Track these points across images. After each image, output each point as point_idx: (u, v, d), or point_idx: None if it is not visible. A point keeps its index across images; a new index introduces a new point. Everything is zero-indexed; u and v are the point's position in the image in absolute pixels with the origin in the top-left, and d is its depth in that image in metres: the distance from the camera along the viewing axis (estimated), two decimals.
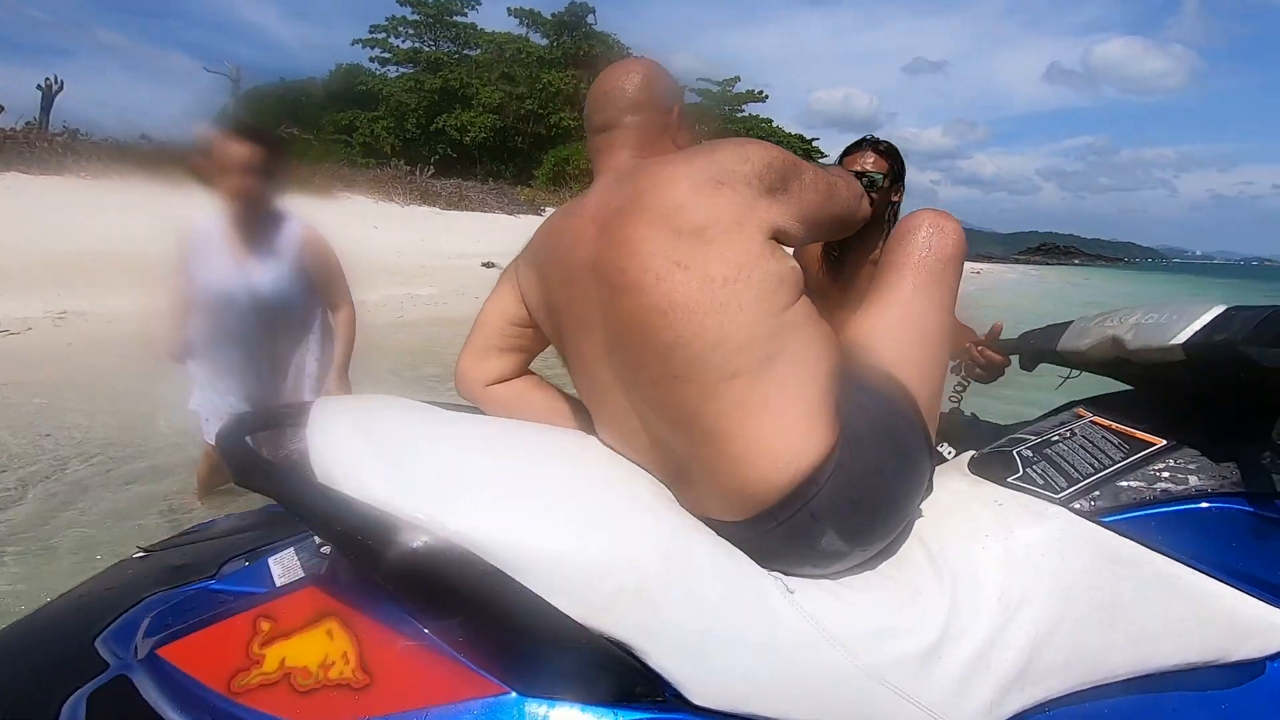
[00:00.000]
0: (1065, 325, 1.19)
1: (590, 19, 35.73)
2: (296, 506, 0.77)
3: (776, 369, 0.85)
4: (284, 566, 0.89)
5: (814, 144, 45.67)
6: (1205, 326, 0.90)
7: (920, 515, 0.95)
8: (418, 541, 0.72)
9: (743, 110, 41.50)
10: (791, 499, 0.84)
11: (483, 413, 1.10)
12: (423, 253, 12.29)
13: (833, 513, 0.84)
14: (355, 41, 33.21)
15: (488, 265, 12.61)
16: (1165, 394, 1.04)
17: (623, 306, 0.88)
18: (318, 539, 0.90)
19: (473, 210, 20.96)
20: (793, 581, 0.83)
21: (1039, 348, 1.24)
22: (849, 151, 1.80)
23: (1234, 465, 0.90)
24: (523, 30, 36.08)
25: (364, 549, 0.73)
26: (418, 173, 22.15)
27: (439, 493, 0.78)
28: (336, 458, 0.80)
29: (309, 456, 0.81)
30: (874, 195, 1.60)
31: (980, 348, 1.40)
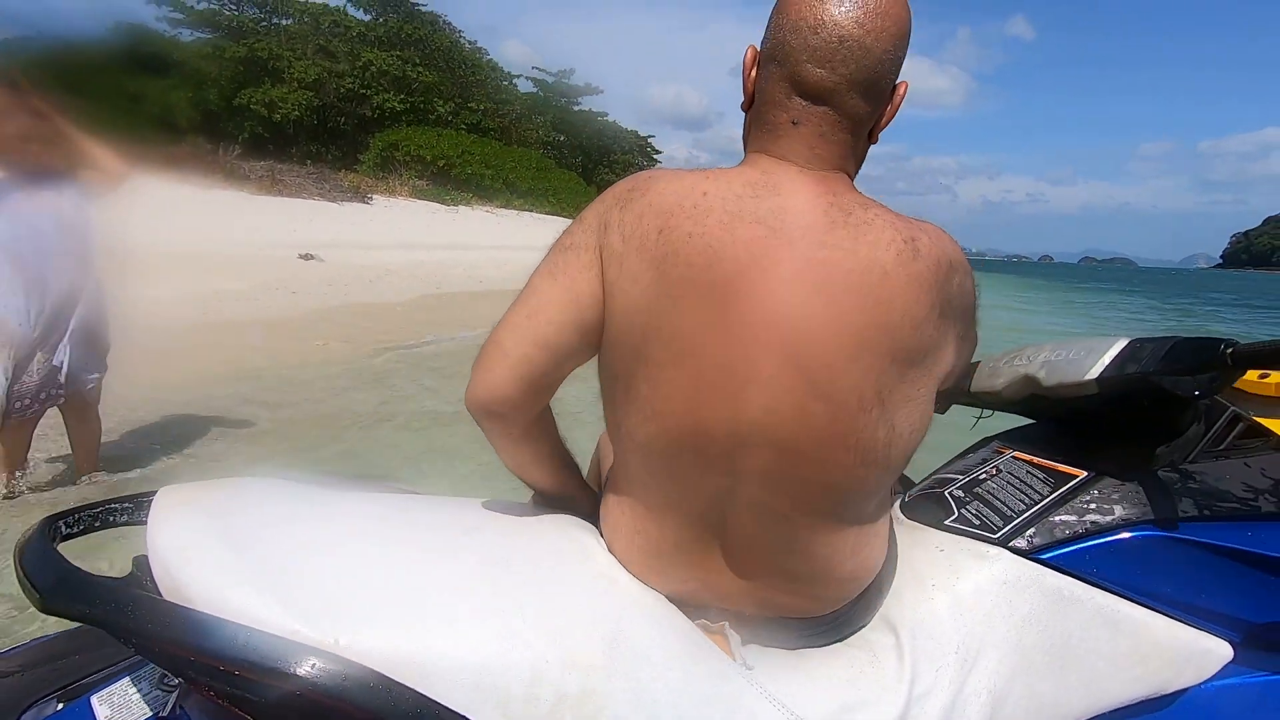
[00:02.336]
0: (974, 366, 1.19)
1: None
2: (136, 634, 0.60)
3: (883, 515, 0.88)
4: (113, 707, 0.72)
5: (649, 140, 46.93)
6: (1114, 360, 0.93)
7: None
8: (309, 667, 0.58)
9: (579, 103, 41.60)
10: (862, 595, 0.88)
11: (352, 486, 0.93)
12: (229, 242, 11.04)
13: (869, 601, 0.90)
14: None
15: (305, 257, 11.60)
16: (1078, 425, 1.06)
17: (812, 414, 0.72)
18: (161, 670, 0.74)
19: (289, 196, 19.15)
20: (748, 653, 0.80)
21: (951, 389, 1.24)
22: None
23: (1155, 491, 0.92)
24: (340, 3, 33.48)
25: (233, 682, 0.57)
26: (221, 151, 19.84)
27: (329, 602, 0.64)
28: (189, 566, 0.64)
29: (150, 565, 0.65)
30: None
31: None
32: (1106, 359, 0.93)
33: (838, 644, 0.86)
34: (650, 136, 47.86)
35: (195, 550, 0.67)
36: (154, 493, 0.78)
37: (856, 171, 0.82)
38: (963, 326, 0.83)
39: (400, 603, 0.67)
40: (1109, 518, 0.91)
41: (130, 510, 0.79)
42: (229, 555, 0.67)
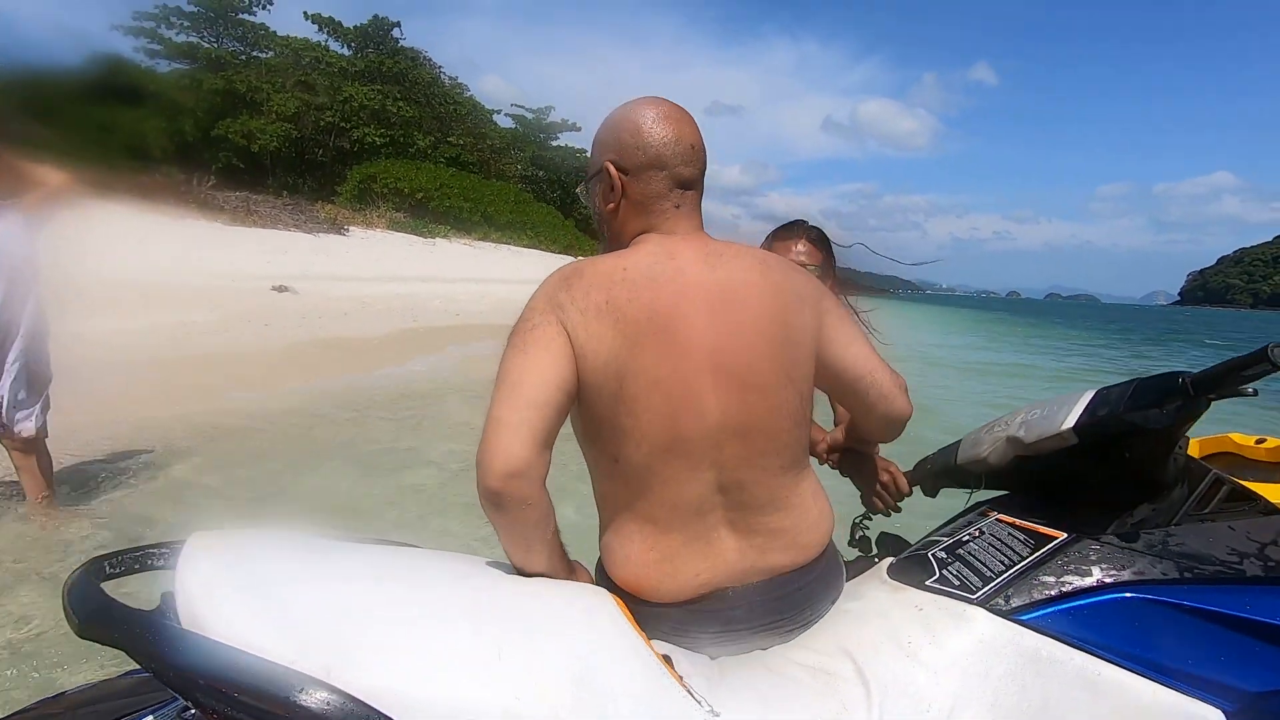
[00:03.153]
0: (955, 444, 1.25)
1: (395, 32, 34.35)
2: (157, 660, 0.66)
3: (810, 475, 1.10)
4: None
5: None
6: (1086, 408, 0.97)
7: (844, 624, 0.98)
8: (299, 694, 0.64)
9: (557, 139, 42.13)
10: (828, 549, 1.10)
11: (357, 540, 1.00)
12: (201, 273, 10.89)
13: (838, 565, 1.12)
14: (115, 27, 28.83)
15: (279, 289, 11.47)
16: (1063, 489, 1.06)
17: (750, 402, 0.98)
18: (182, 703, 0.81)
19: (263, 227, 19.00)
20: (718, 698, 0.80)
21: (938, 469, 1.29)
22: (780, 236, 1.71)
23: (1136, 553, 0.93)
24: (322, 38, 33.72)
25: (235, 705, 0.64)
26: (195, 181, 19.64)
27: (324, 637, 0.71)
28: (209, 602, 0.72)
29: (175, 601, 0.73)
30: None
31: (896, 476, 1.37)
32: (1078, 408, 0.98)
33: (810, 697, 0.86)
34: None
35: (215, 588, 0.74)
36: (182, 541, 0.87)
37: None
38: (828, 304, 1.09)
39: (388, 642, 0.73)
40: (1087, 579, 0.91)
41: (168, 555, 0.86)
42: (243, 594, 0.74)
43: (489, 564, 0.97)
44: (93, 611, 0.70)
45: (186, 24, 29.38)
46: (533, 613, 0.83)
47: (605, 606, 0.88)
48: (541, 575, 0.96)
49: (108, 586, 0.78)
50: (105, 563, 0.86)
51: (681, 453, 0.96)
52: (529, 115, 41.37)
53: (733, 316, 0.98)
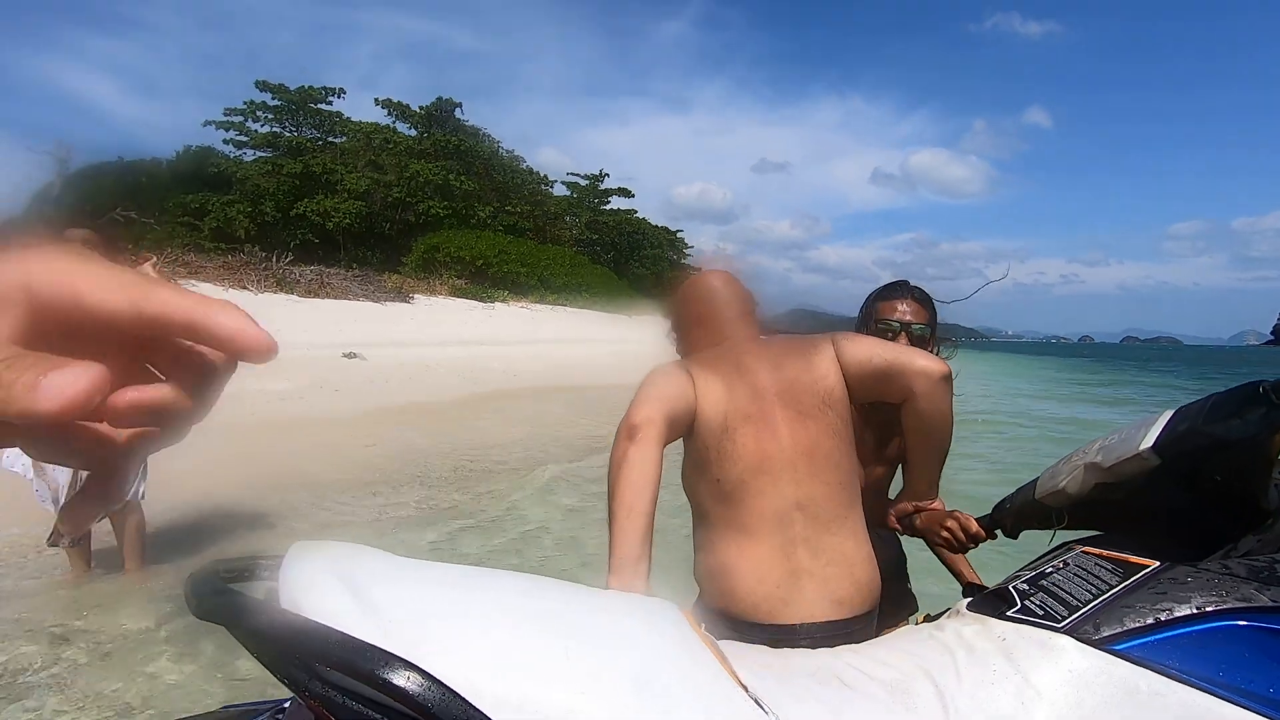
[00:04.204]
0: (1033, 480, 1.22)
1: (458, 112, 36.54)
2: (255, 636, 0.72)
3: (859, 507, 1.37)
4: None
5: (679, 234, 48.48)
6: (1165, 426, 0.94)
7: (922, 645, 0.94)
8: (387, 670, 0.68)
9: (609, 202, 43.45)
10: (869, 614, 1.31)
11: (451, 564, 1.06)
12: (278, 344, 11.50)
13: (871, 635, 1.27)
14: (207, 123, 31.73)
15: (349, 356, 12.00)
16: (1154, 521, 1.02)
17: (809, 430, 1.33)
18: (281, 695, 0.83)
19: (334, 298, 20.07)
20: (783, 706, 0.79)
21: (1017, 507, 1.26)
22: (884, 296, 1.71)
23: (1237, 579, 0.86)
24: (390, 121, 36.18)
25: (325, 677, 0.68)
26: (274, 259, 21.05)
27: (411, 626, 0.74)
28: (307, 592, 0.76)
29: (278, 592, 0.78)
30: (916, 345, 1.58)
31: (963, 520, 1.41)
32: (1157, 428, 0.96)
33: (883, 713, 0.83)
34: (679, 231, 49.54)
35: (314, 581, 0.79)
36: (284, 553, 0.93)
37: None
38: (836, 337, 1.43)
39: (466, 637, 0.76)
40: (1186, 606, 0.84)
41: (274, 568, 0.91)
42: (338, 587, 0.79)
43: (565, 585, 1.00)
44: (206, 594, 0.78)
45: (270, 116, 32.08)
46: (600, 622, 0.85)
47: (670, 616, 0.88)
48: (625, 535, 1.18)
49: None
50: (221, 567, 0.94)
51: (767, 469, 1.30)
52: (583, 182, 42.94)
53: (784, 374, 1.37)
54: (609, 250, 40.79)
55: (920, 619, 1.40)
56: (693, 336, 1.51)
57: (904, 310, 1.67)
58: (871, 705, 0.83)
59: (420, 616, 0.77)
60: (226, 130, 31.38)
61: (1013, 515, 1.28)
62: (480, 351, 14.94)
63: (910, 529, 1.50)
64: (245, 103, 31.65)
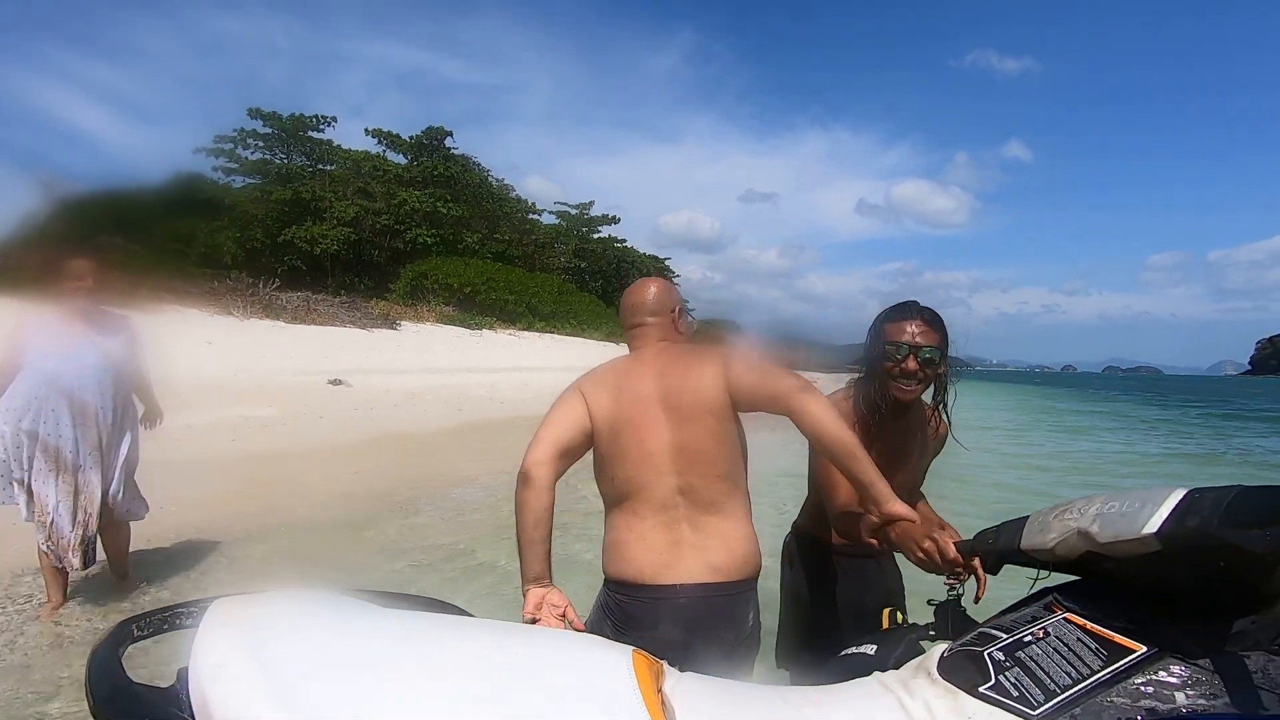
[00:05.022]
0: (1022, 521, 1.14)
1: (448, 141, 36.84)
2: None
3: (743, 496, 1.59)
4: None
5: (666, 263, 48.82)
6: (1174, 512, 0.84)
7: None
8: None
9: (599, 231, 43.75)
10: (750, 579, 1.55)
11: (388, 602, 1.00)
12: (263, 370, 11.42)
13: (753, 608, 1.55)
14: (198, 150, 31.75)
15: (335, 383, 11.90)
16: (1147, 589, 0.94)
17: (687, 430, 1.53)
18: None
19: (321, 324, 19.97)
20: None
21: (1001, 549, 1.19)
22: (893, 317, 1.67)
23: (1228, 680, 0.80)
24: (380, 149, 36.39)
25: None
26: (261, 285, 20.94)
27: None
28: (218, 684, 0.69)
29: (188, 683, 0.71)
30: (924, 371, 1.60)
31: (942, 546, 1.32)
32: (1164, 511, 0.85)
33: None
34: (667, 259, 49.87)
35: (227, 668, 0.71)
36: (213, 599, 0.84)
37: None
38: (729, 354, 1.60)
39: None
40: (1168, 705, 0.79)
41: (195, 614, 0.83)
42: (253, 675, 0.70)
43: (522, 635, 0.96)
44: (108, 693, 0.71)
45: (261, 144, 32.17)
46: (550, 703, 0.79)
47: (625, 701, 0.82)
48: (529, 559, 1.51)
49: (140, 646, 0.80)
50: (134, 625, 0.86)
51: (651, 464, 1.53)
52: (571, 210, 43.26)
53: (668, 383, 1.57)
54: (597, 278, 40.95)
55: (886, 615, 1.41)
56: (628, 338, 1.76)
57: (913, 332, 1.63)
58: None
59: (349, 709, 0.69)
60: (217, 157, 31.44)
61: (996, 554, 1.22)
62: (467, 379, 14.88)
63: (886, 541, 1.42)
64: (236, 130, 31.76)
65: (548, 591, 1.52)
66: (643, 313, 1.73)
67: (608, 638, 1.41)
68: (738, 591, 1.52)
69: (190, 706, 0.69)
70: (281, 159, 32.64)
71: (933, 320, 1.66)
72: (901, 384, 1.65)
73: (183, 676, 0.73)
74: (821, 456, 1.57)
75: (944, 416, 1.80)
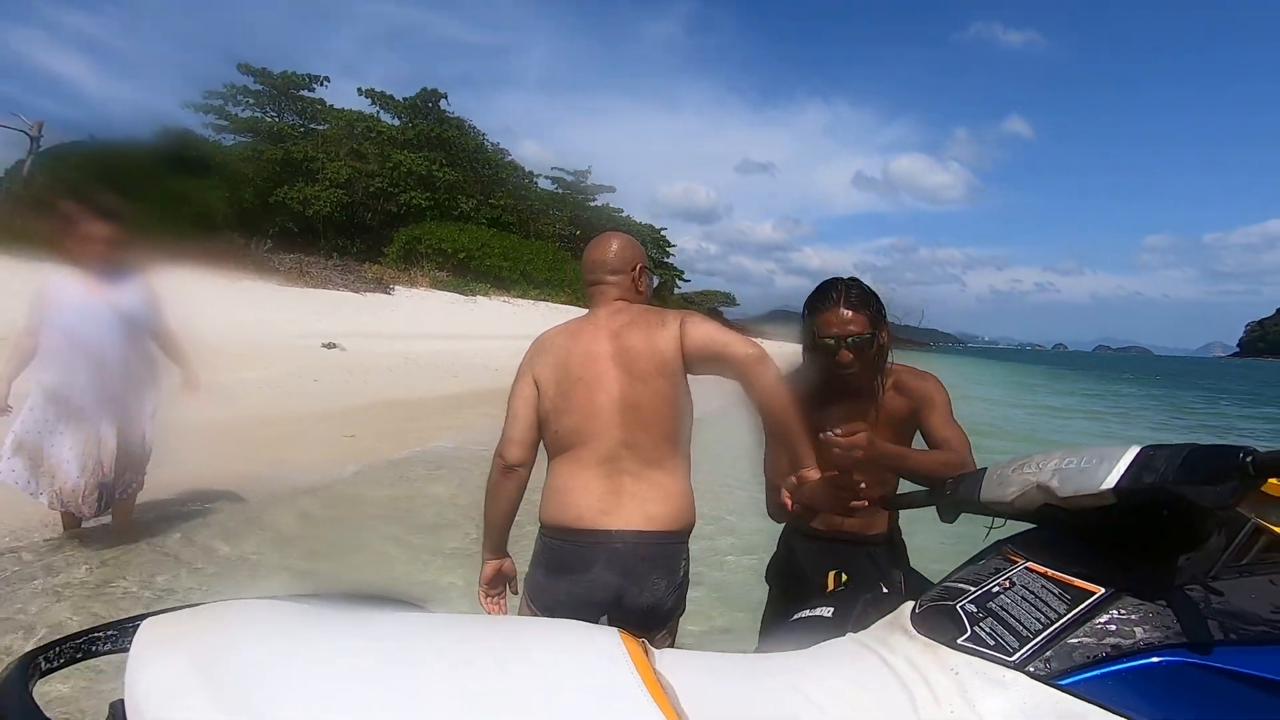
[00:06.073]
0: (980, 474, 1.19)
1: (442, 104, 36.18)
2: None
3: (684, 458, 1.63)
4: None
5: (662, 233, 48.45)
6: (1130, 469, 0.90)
7: (885, 688, 0.92)
8: None
9: (595, 200, 43.33)
10: (684, 531, 1.61)
11: (349, 605, 0.91)
12: (256, 332, 11.35)
13: (684, 561, 1.61)
14: (186, 105, 31.08)
15: (329, 346, 11.86)
16: (1094, 534, 1.01)
17: (637, 389, 1.57)
18: None
19: (315, 287, 19.82)
20: None
21: (959, 499, 1.24)
22: (816, 308, 1.62)
23: (1175, 611, 0.87)
24: (374, 110, 35.72)
25: None
26: (252, 246, 20.71)
27: None
28: (166, 717, 0.60)
29: (125, 713, 0.61)
30: (860, 355, 1.56)
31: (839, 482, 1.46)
32: (1120, 467, 0.92)
33: None
34: (663, 229, 49.49)
35: (174, 698, 0.61)
36: (138, 620, 0.73)
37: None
38: (685, 316, 1.63)
39: None
40: (1129, 640, 0.86)
41: (114, 638, 0.73)
42: (207, 702, 0.61)
43: (500, 631, 0.90)
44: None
45: (251, 101, 31.51)
46: (543, 700, 0.76)
47: (625, 683, 0.80)
48: (495, 539, 1.69)
49: (59, 677, 0.67)
50: (40, 658, 0.72)
51: (598, 415, 1.57)
52: (568, 177, 42.79)
53: (629, 339, 1.60)
54: None
55: (831, 578, 1.49)
56: (586, 294, 1.77)
57: (838, 322, 1.59)
58: None
59: None
60: (206, 114, 30.80)
61: (953, 504, 1.27)
62: (461, 346, 14.85)
63: (804, 499, 1.50)
64: (226, 86, 31.09)
65: (503, 561, 1.73)
66: (603, 270, 1.72)
67: (540, 583, 1.60)
68: (672, 542, 1.58)
69: None
70: (273, 117, 32.02)
71: (860, 301, 1.61)
72: (841, 371, 1.62)
73: (118, 711, 0.62)
74: (756, 411, 1.55)
75: (914, 381, 1.70)
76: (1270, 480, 1.11)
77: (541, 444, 1.67)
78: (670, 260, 49.39)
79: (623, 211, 44.94)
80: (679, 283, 49.16)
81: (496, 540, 1.71)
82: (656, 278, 1.83)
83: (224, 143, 30.77)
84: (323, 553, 3.76)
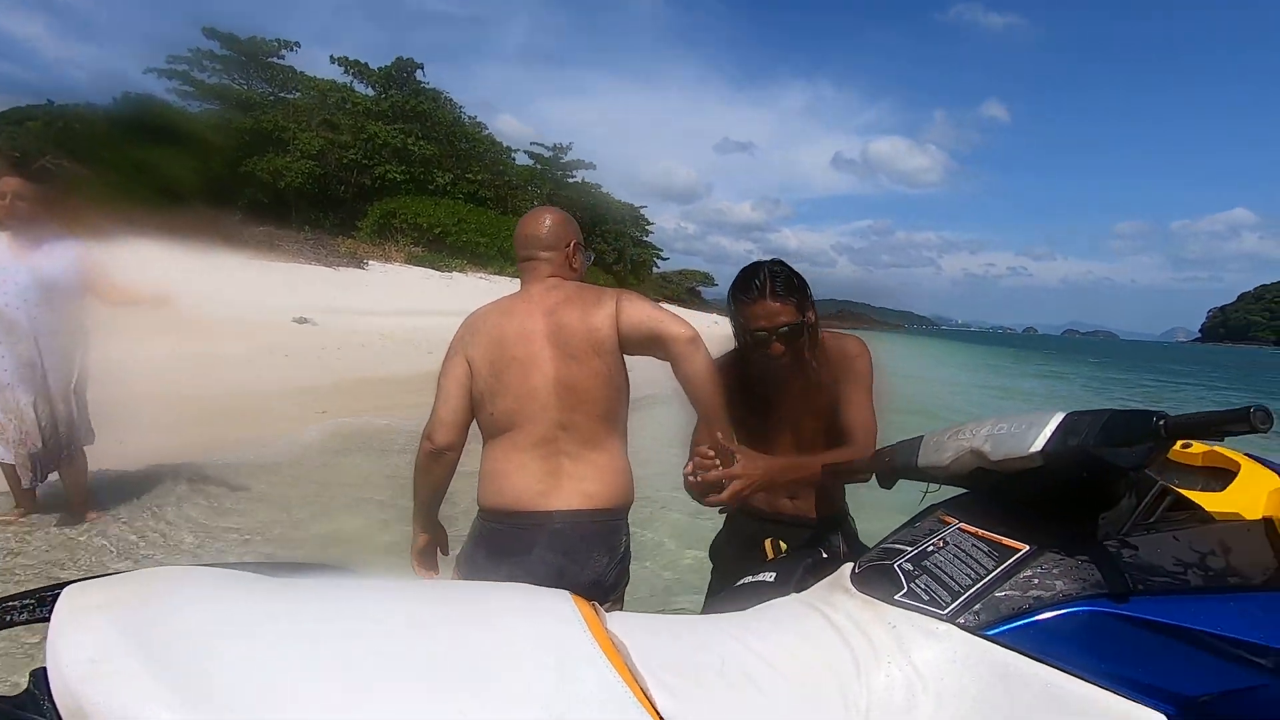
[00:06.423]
0: (917, 441, 1.24)
1: (418, 74, 35.39)
2: None
3: (621, 435, 1.64)
4: None
5: (642, 211, 48.20)
6: (1055, 433, 0.97)
7: (827, 642, 0.96)
8: None
9: (574, 176, 42.88)
10: (623, 508, 1.63)
11: (288, 573, 0.87)
12: (225, 305, 11.10)
13: (624, 536, 1.63)
14: (149, 70, 30.00)
15: (300, 321, 11.67)
16: (1021, 497, 1.07)
17: (573, 369, 1.56)
18: None
19: (286, 260, 19.43)
20: (694, 717, 0.78)
21: (897, 465, 1.28)
22: (741, 300, 1.58)
23: (1093, 565, 0.94)
24: (347, 79, 34.81)
25: None
26: (222, 217, 20.19)
27: (252, 717, 0.58)
28: (95, 682, 0.56)
29: (49, 682, 0.57)
30: (790, 343, 1.54)
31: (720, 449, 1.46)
32: (1047, 431, 0.98)
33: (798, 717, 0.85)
34: (643, 208, 49.20)
35: (103, 664, 0.58)
36: (58, 588, 0.69)
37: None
38: (621, 296, 1.61)
39: (328, 711, 0.62)
40: (1050, 593, 0.92)
41: (31, 608, 0.69)
42: (140, 667, 0.58)
43: (448, 594, 0.90)
44: None
45: (218, 67, 30.50)
46: (499, 659, 0.75)
47: (578, 641, 0.81)
48: (427, 515, 1.69)
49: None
50: None
51: (535, 398, 1.55)
52: (547, 153, 42.22)
53: (564, 317, 1.58)
54: None
55: (769, 545, 1.60)
56: (519, 269, 1.74)
57: (766, 314, 1.55)
58: (781, 708, 0.85)
59: (260, 698, 0.59)
60: (170, 79, 29.76)
61: (890, 470, 1.32)
62: (437, 322, 14.66)
63: (709, 483, 1.50)
64: (191, 51, 30.05)
65: (435, 534, 1.74)
66: (536, 246, 1.68)
67: (481, 566, 1.58)
68: (612, 519, 1.59)
69: (56, 713, 0.56)
70: (241, 84, 31.05)
71: (784, 289, 1.56)
72: (775, 360, 1.59)
73: (40, 680, 0.59)
74: (683, 389, 1.56)
75: (834, 344, 1.68)
76: (1178, 445, 1.26)
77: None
78: (649, 240, 49.26)
79: (601, 188, 44.57)
80: (658, 261, 49.21)
81: (427, 518, 1.71)
82: (592, 254, 1.79)
83: (190, 110, 29.83)
84: (290, 528, 3.72)
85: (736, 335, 1.65)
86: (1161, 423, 0.87)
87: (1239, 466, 1.16)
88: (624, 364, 1.62)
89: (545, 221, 1.70)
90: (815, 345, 1.62)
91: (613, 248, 41.96)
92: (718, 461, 1.49)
